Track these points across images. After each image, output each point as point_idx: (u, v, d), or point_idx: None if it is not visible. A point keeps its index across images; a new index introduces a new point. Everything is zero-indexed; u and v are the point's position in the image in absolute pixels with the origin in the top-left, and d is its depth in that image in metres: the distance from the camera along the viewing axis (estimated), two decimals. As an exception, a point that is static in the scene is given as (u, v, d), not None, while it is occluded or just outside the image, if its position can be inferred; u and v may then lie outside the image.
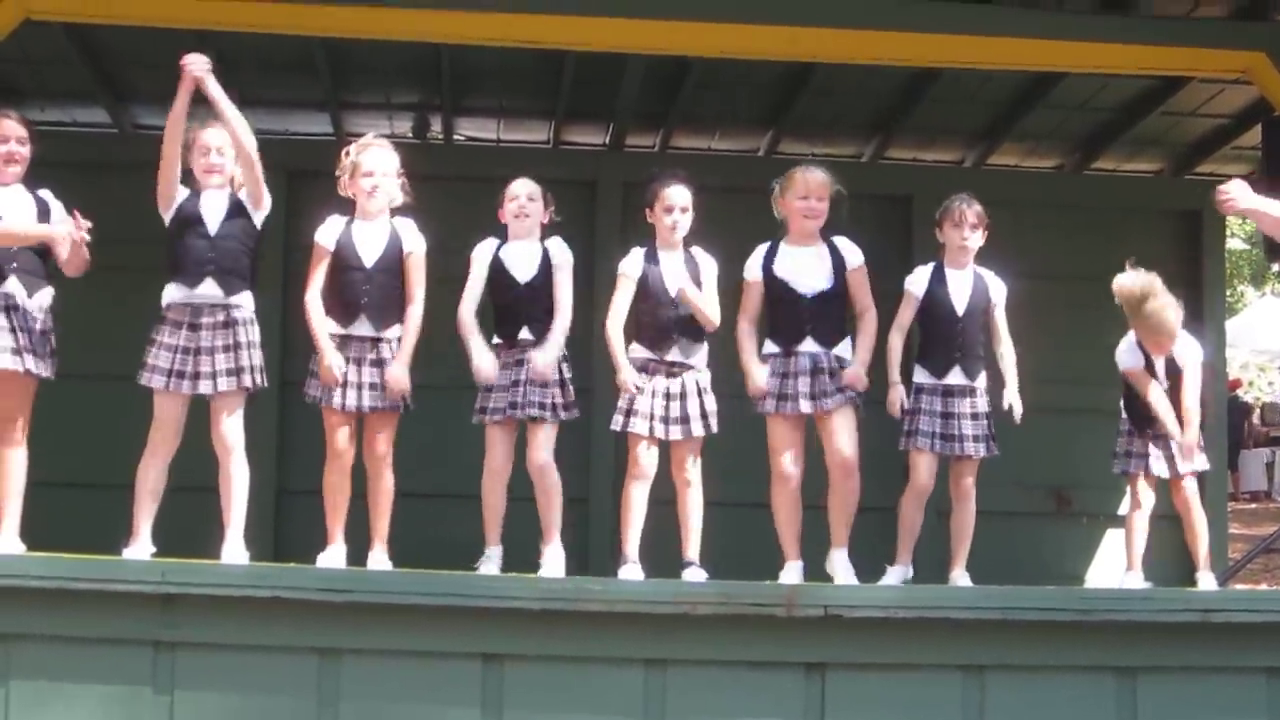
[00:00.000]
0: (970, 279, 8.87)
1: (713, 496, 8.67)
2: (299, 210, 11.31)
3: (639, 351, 8.61)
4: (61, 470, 8.67)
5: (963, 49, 11.12)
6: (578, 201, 13.26)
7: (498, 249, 8.64)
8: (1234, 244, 26.23)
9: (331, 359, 8.20)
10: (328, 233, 8.45)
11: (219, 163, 8.33)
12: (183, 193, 8.27)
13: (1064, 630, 7.11)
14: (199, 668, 6.86)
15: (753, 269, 8.66)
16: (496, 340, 8.54)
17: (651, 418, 8.45)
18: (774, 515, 8.49)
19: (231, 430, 8.07)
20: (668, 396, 8.50)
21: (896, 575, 8.61)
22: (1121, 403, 9.48)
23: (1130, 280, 9.17)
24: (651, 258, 8.69)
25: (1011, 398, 8.75)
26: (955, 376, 8.71)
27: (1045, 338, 10.08)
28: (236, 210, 8.24)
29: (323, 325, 8.31)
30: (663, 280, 8.63)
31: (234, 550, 7.89)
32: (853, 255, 8.64)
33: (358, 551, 8.21)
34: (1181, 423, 9.18)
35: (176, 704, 6.78)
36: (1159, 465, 9.24)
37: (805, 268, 8.56)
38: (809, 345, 8.47)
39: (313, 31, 10.94)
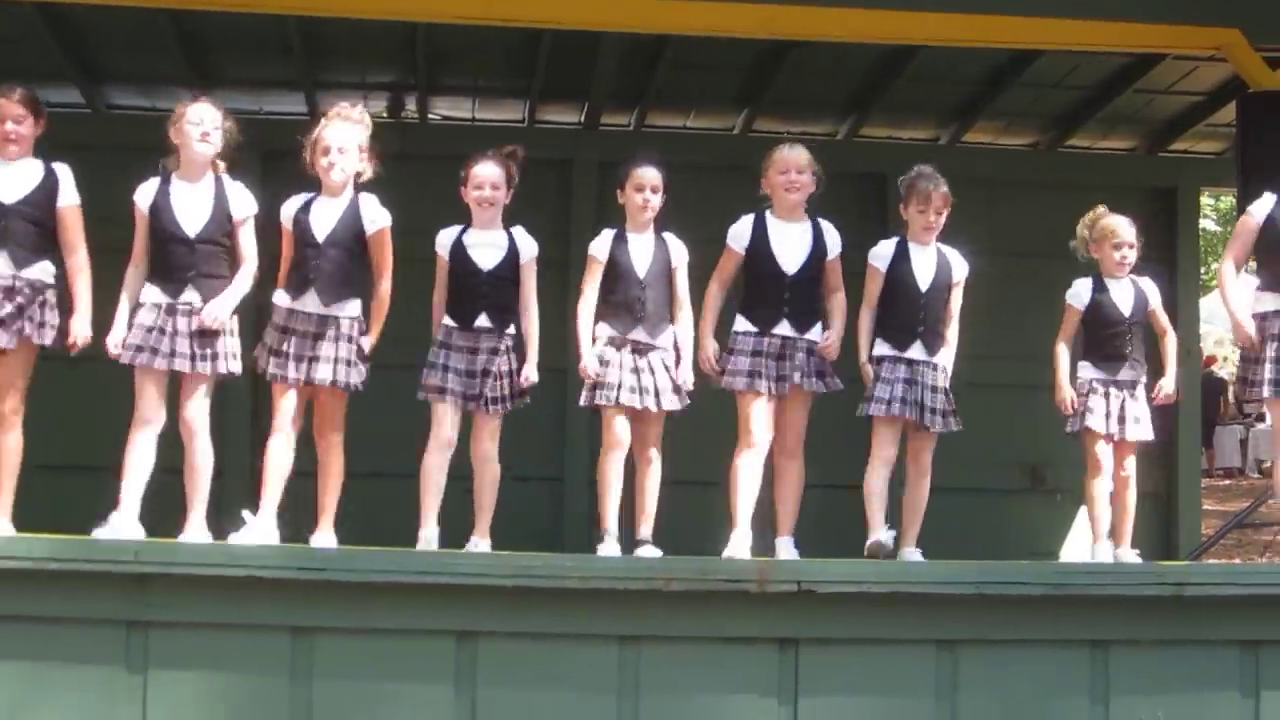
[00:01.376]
0: (934, 255, 8.82)
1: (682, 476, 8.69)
2: (274, 190, 11.29)
3: (606, 330, 8.60)
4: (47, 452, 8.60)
5: (938, 26, 11.14)
6: (553, 180, 13.29)
7: (460, 234, 8.60)
8: (1207, 224, 26.25)
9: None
10: (287, 210, 8.41)
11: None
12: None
13: (1037, 604, 7.12)
14: (173, 647, 6.84)
15: (739, 237, 8.63)
16: (450, 322, 8.49)
17: (620, 388, 8.44)
18: (732, 482, 8.42)
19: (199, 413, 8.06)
20: (636, 370, 8.49)
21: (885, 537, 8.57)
22: (1081, 359, 9.25)
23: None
24: (621, 239, 8.68)
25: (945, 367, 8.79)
26: (917, 351, 8.67)
27: (1020, 314, 10.10)
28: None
29: (280, 301, 8.33)
30: (631, 262, 8.61)
31: (196, 532, 7.89)
32: (835, 244, 8.66)
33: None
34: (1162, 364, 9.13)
35: (150, 683, 6.76)
36: (1113, 424, 9.00)
37: (790, 242, 8.57)
38: (784, 328, 8.48)
39: (287, 10, 10.94)
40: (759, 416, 8.42)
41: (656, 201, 8.64)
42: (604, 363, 8.47)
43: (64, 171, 8.14)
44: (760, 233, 8.58)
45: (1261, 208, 8.59)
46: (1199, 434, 14.78)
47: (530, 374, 8.48)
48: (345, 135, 8.35)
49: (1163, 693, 7.13)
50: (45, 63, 12.46)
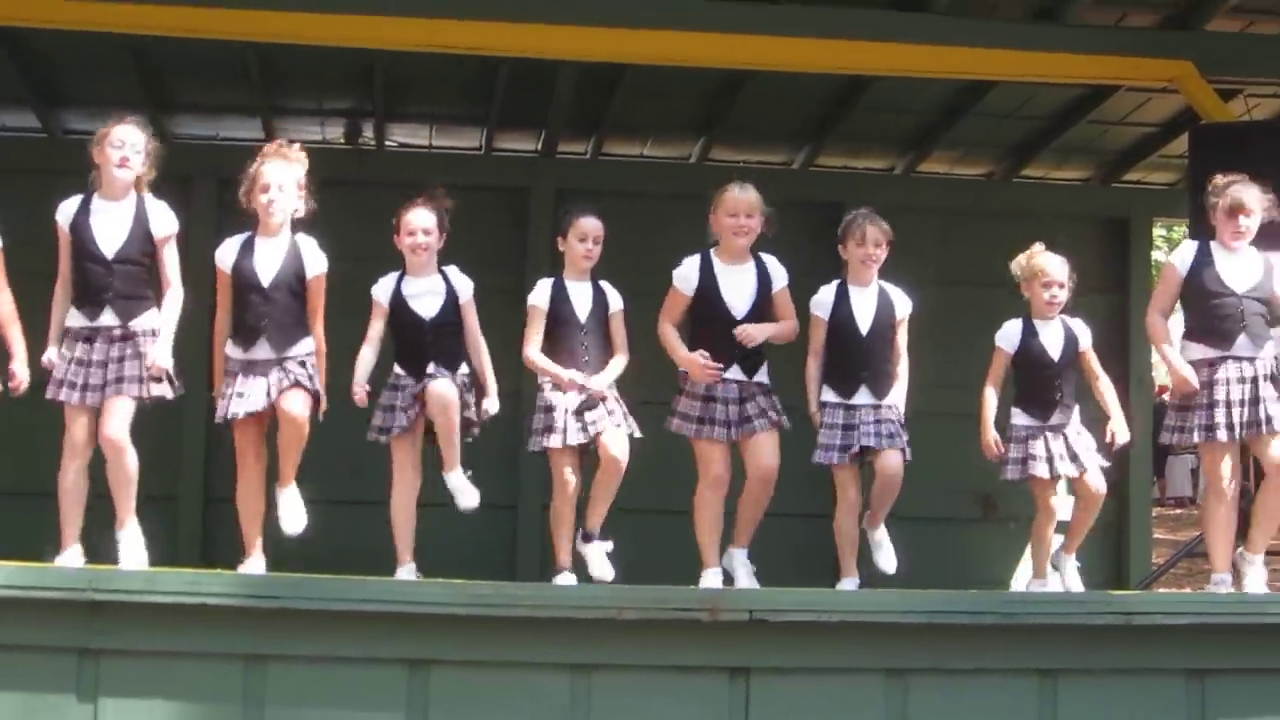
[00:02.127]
0: (875, 295, 8.79)
1: (631, 504, 8.69)
2: (229, 216, 11.29)
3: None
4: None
5: (894, 57, 11.21)
6: (510, 208, 13.33)
7: (399, 283, 8.55)
8: (1159, 254, 26.39)
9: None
10: (224, 255, 8.24)
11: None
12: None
13: (987, 633, 7.15)
14: (124, 675, 6.82)
15: (686, 280, 8.51)
16: (400, 371, 8.46)
17: (565, 431, 8.41)
18: (696, 520, 8.41)
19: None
20: (579, 410, 8.48)
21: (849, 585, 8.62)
22: (1013, 404, 9.31)
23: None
24: (560, 287, 8.70)
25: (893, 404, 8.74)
26: (863, 396, 8.63)
27: (974, 343, 10.10)
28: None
29: (220, 354, 8.24)
30: (573, 309, 8.65)
31: (132, 537, 7.83)
32: (780, 276, 8.58)
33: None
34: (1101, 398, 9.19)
35: (100, 711, 6.74)
36: (1062, 465, 9.07)
37: (737, 285, 8.48)
38: (734, 373, 8.38)
39: (245, 37, 10.93)
40: (714, 457, 8.37)
41: (597, 252, 8.67)
42: (549, 408, 8.45)
43: None
44: (708, 275, 8.49)
45: (1183, 256, 8.60)
46: (1150, 463, 14.86)
47: (490, 407, 8.49)
48: (283, 173, 8.19)
49: (1111, 720, 7.18)
50: (2, 87, 12.47)
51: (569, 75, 12.06)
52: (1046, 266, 9.03)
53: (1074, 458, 8.88)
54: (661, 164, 14.49)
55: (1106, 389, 9.13)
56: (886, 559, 8.78)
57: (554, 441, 8.38)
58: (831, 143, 13.95)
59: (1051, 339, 9.00)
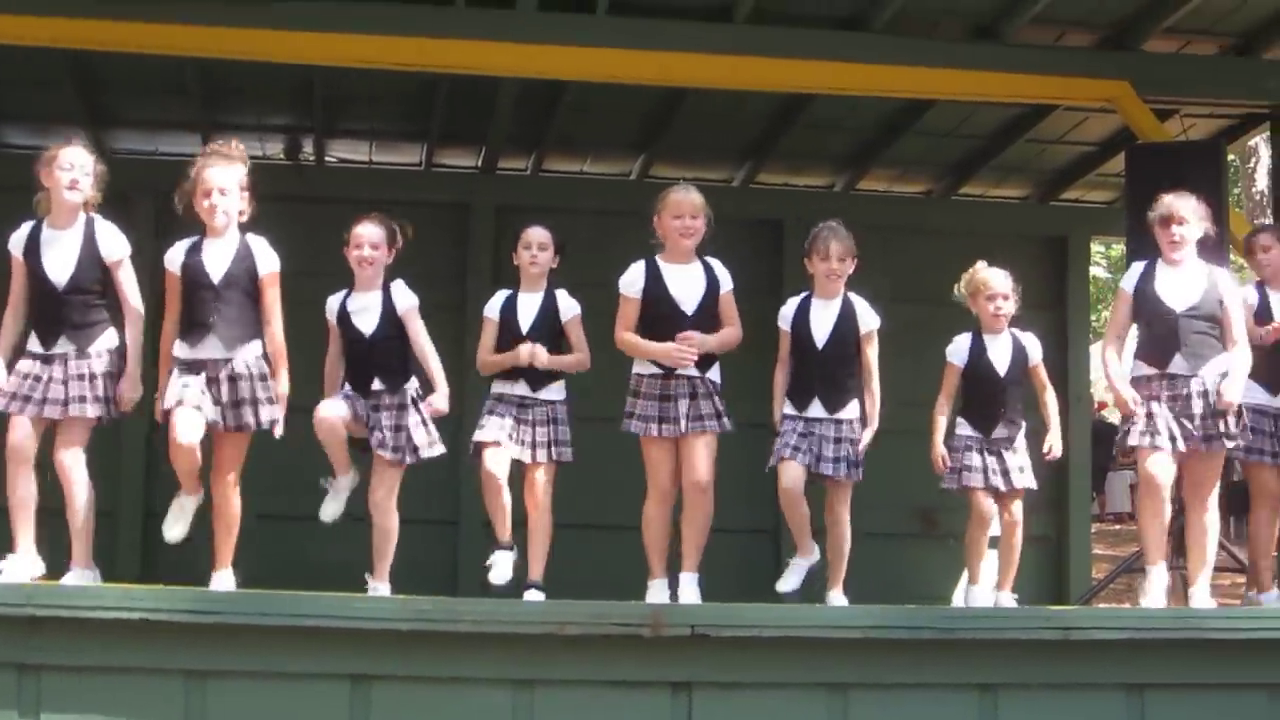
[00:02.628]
0: (836, 309, 8.81)
1: (576, 519, 8.72)
2: (168, 231, 11.23)
3: (498, 387, 8.81)
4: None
5: (833, 75, 11.27)
6: (451, 224, 13.32)
7: (345, 300, 8.59)
8: (1097, 271, 26.56)
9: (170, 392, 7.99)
10: (173, 256, 8.09)
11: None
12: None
13: (927, 648, 7.18)
14: (65, 691, 6.78)
15: (633, 284, 8.54)
16: (348, 388, 8.51)
17: (500, 433, 8.64)
18: (644, 531, 8.48)
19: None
20: (518, 421, 8.68)
21: (802, 568, 8.79)
22: (959, 415, 9.42)
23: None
24: (511, 300, 8.85)
25: (867, 436, 8.83)
26: (815, 409, 8.70)
27: (914, 361, 10.17)
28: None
29: (166, 354, 8.10)
30: (518, 320, 8.78)
31: (80, 572, 7.84)
32: (725, 279, 8.60)
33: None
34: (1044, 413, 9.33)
35: (42, 727, 6.73)
36: (995, 478, 9.19)
37: (685, 284, 8.51)
38: (688, 368, 8.41)
39: (184, 52, 10.90)
40: (662, 464, 8.44)
41: (544, 259, 8.72)
42: (481, 426, 8.67)
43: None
44: (655, 277, 8.52)
45: (1130, 277, 8.66)
46: (1089, 479, 14.94)
47: (439, 404, 8.47)
48: (225, 175, 8.02)
49: (1051, 735, 7.22)
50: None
51: (509, 92, 12.07)
52: (989, 280, 9.14)
53: (1006, 474, 9.01)
54: (602, 181, 14.51)
55: (1051, 402, 9.30)
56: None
57: (486, 436, 8.60)
58: (772, 160, 13.99)
59: (1000, 353, 9.11)
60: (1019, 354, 9.14)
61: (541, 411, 8.73)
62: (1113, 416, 27.52)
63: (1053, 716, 7.20)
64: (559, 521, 8.66)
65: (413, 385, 8.47)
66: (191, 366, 7.92)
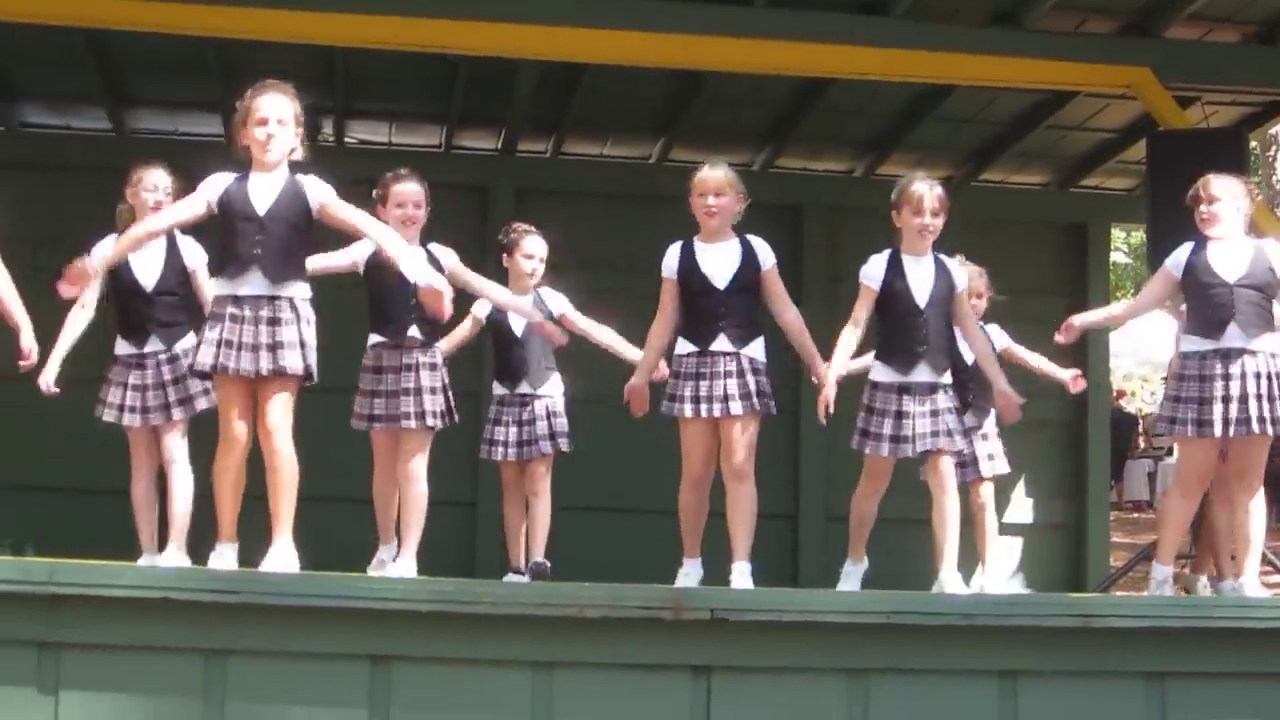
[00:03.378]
0: (930, 266, 8.41)
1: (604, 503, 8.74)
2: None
3: (500, 389, 9.30)
4: None
5: (853, 60, 11.25)
6: (469, 206, 13.31)
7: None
8: (1117, 257, 26.52)
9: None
10: (213, 186, 7.57)
11: None
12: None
13: (947, 634, 7.15)
14: (85, 669, 6.77)
15: (669, 266, 8.35)
16: (378, 339, 8.46)
17: (507, 445, 9.27)
18: (680, 513, 8.33)
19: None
20: (520, 423, 9.20)
21: (856, 576, 8.63)
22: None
23: None
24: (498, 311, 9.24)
25: (1002, 390, 8.57)
26: (921, 373, 8.29)
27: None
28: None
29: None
30: (510, 324, 9.24)
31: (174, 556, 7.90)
32: (766, 257, 8.35)
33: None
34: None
35: (61, 705, 6.69)
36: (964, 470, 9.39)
37: (718, 261, 8.27)
38: (722, 343, 8.18)
39: (205, 32, 10.90)
40: (698, 446, 8.23)
41: (540, 269, 9.08)
42: (495, 423, 9.22)
43: None
44: (689, 255, 8.31)
45: (1176, 259, 8.52)
46: (1108, 467, 14.92)
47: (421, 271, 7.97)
48: (282, 107, 7.61)
49: (1070, 723, 7.20)
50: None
51: (530, 74, 12.07)
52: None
53: (975, 463, 9.48)
54: (621, 164, 14.52)
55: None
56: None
57: (496, 455, 9.21)
58: (792, 145, 13.99)
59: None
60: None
61: (542, 406, 9.21)
62: (1130, 405, 27.63)
63: (1073, 704, 7.17)
64: (598, 506, 8.74)
65: (443, 345, 8.59)
66: (234, 306, 7.44)
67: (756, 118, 13.59)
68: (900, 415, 8.30)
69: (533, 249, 9.38)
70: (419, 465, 8.42)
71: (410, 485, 8.42)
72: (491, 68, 11.92)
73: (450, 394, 8.42)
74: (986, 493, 9.70)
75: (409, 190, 8.52)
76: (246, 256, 7.42)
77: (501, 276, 9.37)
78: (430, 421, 8.35)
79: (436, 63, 11.96)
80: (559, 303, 9.36)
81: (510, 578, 9.22)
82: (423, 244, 8.55)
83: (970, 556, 9.59)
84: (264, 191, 7.51)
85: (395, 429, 8.39)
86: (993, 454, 9.56)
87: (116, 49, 12.10)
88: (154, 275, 8.41)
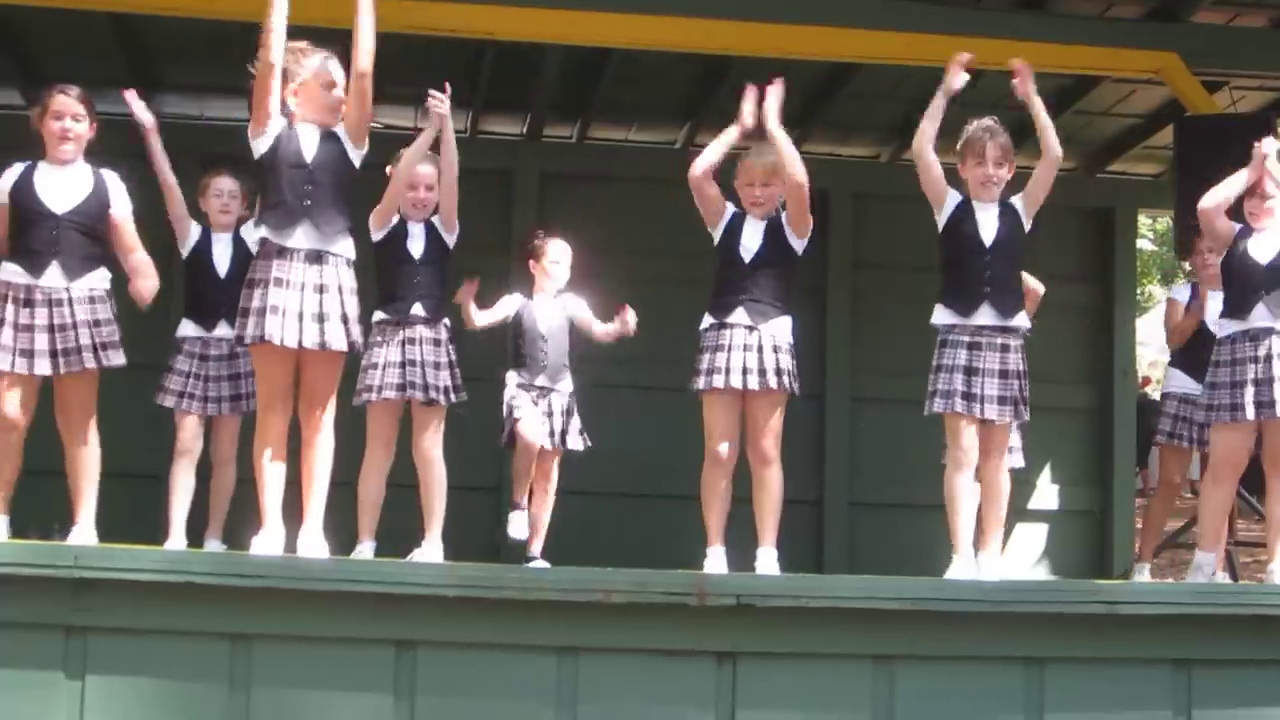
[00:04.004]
0: (996, 211, 8.16)
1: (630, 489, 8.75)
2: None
3: (520, 378, 9.30)
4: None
5: (879, 44, 11.22)
6: (495, 191, 13.30)
7: (397, 224, 8.66)
8: (1144, 244, 26.45)
9: None
10: (262, 142, 7.56)
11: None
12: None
13: (972, 621, 7.15)
14: (111, 652, 6.79)
15: (718, 227, 8.33)
16: (383, 316, 8.52)
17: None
18: (702, 499, 8.27)
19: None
20: (548, 415, 9.23)
21: (960, 566, 8.14)
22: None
23: None
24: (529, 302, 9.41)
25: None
26: (984, 315, 8.00)
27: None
28: None
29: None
30: (535, 322, 9.31)
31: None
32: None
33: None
34: None
35: (88, 688, 6.72)
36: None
37: (751, 232, 8.26)
38: (741, 316, 8.13)
39: (231, 16, 10.87)
40: (719, 425, 8.16)
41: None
42: (515, 406, 9.16)
43: (112, 176, 8.15)
44: (733, 224, 8.29)
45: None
46: (1134, 454, 14.87)
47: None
48: (342, 72, 7.77)
49: (1096, 710, 7.17)
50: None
51: (555, 59, 12.04)
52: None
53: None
54: (647, 149, 14.48)
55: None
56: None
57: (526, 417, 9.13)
58: (818, 130, 13.94)
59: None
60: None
61: (560, 401, 9.29)
62: (1155, 392, 27.52)
63: (1099, 690, 7.17)
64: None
65: (448, 322, 8.66)
66: (278, 269, 7.39)
67: (783, 103, 13.53)
68: (970, 371, 7.99)
69: (557, 254, 9.47)
70: (435, 446, 8.52)
71: (430, 468, 8.45)
72: (517, 53, 11.90)
73: (457, 371, 8.55)
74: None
75: (421, 173, 8.62)
76: (295, 206, 7.49)
77: (526, 281, 9.57)
78: (434, 396, 8.45)
79: (462, 47, 11.94)
80: (576, 307, 9.50)
81: (513, 516, 9.38)
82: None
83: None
84: (310, 141, 7.61)
85: (396, 402, 8.46)
86: (1011, 447, 9.44)
87: (143, 34, 12.10)
88: (226, 265, 9.08)
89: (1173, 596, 7.50)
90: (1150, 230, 27.14)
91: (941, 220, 8.21)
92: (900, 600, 7.13)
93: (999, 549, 8.25)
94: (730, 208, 8.36)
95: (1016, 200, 8.29)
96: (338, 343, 7.40)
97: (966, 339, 8.01)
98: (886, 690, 7.08)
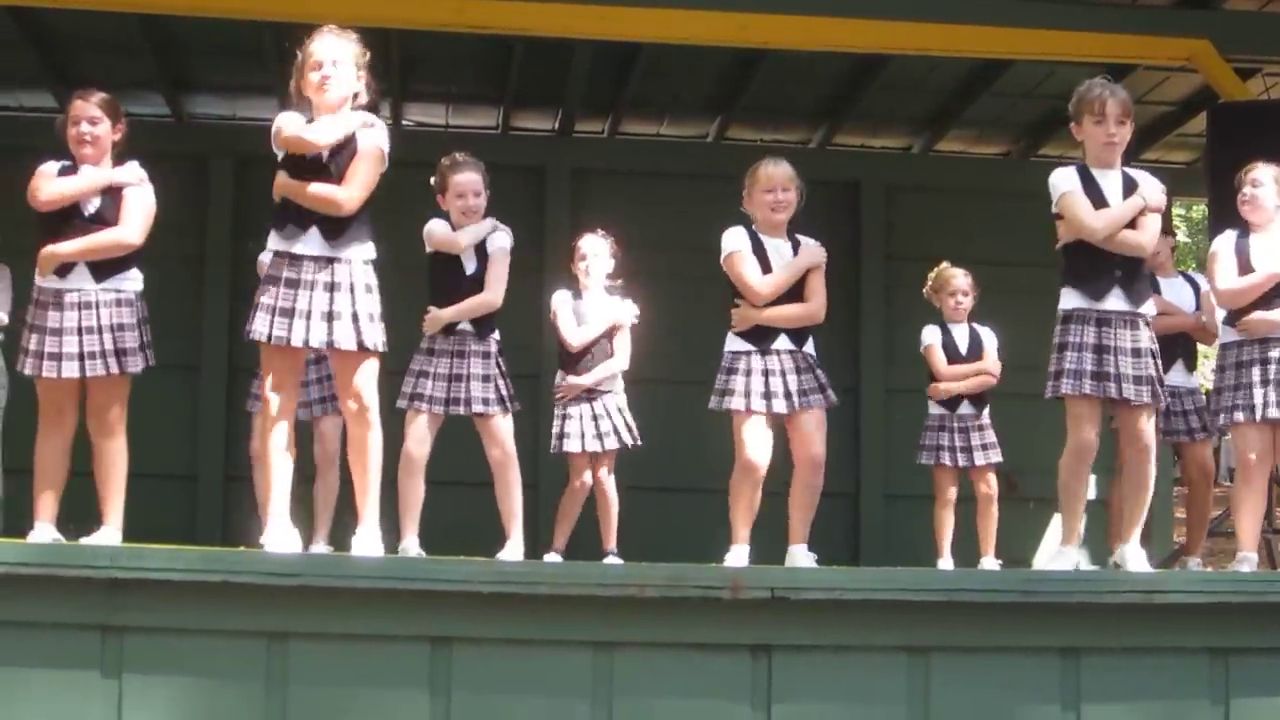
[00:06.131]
0: (1120, 181, 7.64)
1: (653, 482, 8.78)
2: (247, 196, 11.29)
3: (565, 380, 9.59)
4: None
5: (910, 35, 11.20)
6: (526, 187, 13.32)
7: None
8: (1177, 234, 26.31)
9: None
10: (289, 124, 7.34)
11: None
12: None
13: (1008, 611, 7.12)
14: (147, 652, 6.79)
15: (737, 243, 8.25)
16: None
17: (583, 436, 9.59)
18: (730, 496, 8.27)
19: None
20: (595, 418, 9.54)
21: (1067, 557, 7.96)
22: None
23: None
24: (576, 297, 9.67)
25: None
26: (1114, 301, 7.54)
27: (995, 322, 10.17)
28: None
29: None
30: (582, 320, 9.61)
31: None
32: (818, 254, 8.32)
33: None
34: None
35: (125, 688, 6.73)
36: (962, 457, 10.00)
37: (779, 259, 8.25)
38: (784, 342, 8.17)
39: (261, 16, 10.93)
40: (755, 438, 8.16)
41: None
42: (566, 418, 9.54)
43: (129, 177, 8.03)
44: (757, 241, 8.25)
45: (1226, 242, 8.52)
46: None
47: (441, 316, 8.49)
48: (337, 49, 7.35)
49: (1133, 699, 7.13)
50: (19, 67, 12.47)
51: (585, 54, 12.05)
52: (952, 277, 10.28)
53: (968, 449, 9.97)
54: (678, 143, 14.49)
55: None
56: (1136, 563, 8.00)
57: (570, 446, 9.64)
58: (849, 121, 13.93)
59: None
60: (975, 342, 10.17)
61: (611, 401, 9.59)
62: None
63: (1136, 680, 7.14)
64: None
65: (497, 335, 8.60)
66: (290, 269, 7.20)
67: (813, 95, 13.54)
68: (1100, 350, 7.55)
69: (588, 250, 9.66)
70: (502, 449, 8.51)
71: (500, 472, 8.52)
72: (547, 48, 11.91)
73: (506, 382, 8.49)
74: (994, 481, 10.22)
75: (468, 181, 8.60)
76: (304, 211, 7.22)
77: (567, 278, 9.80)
78: (480, 409, 8.43)
79: (493, 43, 11.96)
80: (620, 312, 9.69)
81: (549, 557, 9.55)
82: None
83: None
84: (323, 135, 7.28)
85: (438, 415, 8.43)
86: (986, 444, 10.11)
87: (174, 34, 12.13)
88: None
89: (1209, 585, 7.47)
90: (1183, 220, 26.97)
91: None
92: (935, 592, 7.12)
93: (1138, 539, 8.11)
94: (740, 233, 8.31)
95: (1145, 176, 7.81)
96: (346, 342, 7.20)
97: (1095, 319, 7.56)
98: (922, 682, 7.06)
